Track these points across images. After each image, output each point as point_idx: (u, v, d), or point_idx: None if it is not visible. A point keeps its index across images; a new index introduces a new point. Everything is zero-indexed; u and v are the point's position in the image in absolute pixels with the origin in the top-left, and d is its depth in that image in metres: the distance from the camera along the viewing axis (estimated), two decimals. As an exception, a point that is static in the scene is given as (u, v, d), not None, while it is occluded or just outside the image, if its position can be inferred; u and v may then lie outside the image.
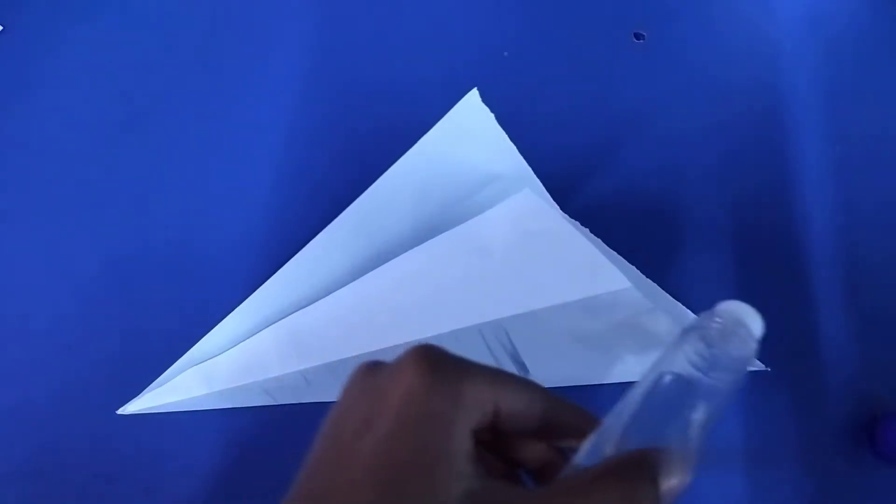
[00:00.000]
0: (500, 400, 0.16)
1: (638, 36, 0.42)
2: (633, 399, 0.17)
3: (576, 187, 0.37)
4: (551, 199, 0.34)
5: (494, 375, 0.16)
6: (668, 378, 0.17)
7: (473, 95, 0.34)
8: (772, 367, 0.32)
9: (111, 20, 0.44)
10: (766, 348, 0.20)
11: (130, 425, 0.33)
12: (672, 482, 0.14)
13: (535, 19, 0.43)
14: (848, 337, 0.34)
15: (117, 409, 0.33)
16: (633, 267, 0.33)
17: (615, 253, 0.32)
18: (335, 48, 0.42)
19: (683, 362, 0.17)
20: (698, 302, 0.34)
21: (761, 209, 0.37)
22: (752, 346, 0.18)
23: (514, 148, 0.34)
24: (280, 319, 0.32)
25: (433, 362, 0.15)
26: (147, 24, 0.43)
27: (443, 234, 0.30)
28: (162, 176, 0.39)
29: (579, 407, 0.18)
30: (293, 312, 0.32)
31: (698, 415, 0.16)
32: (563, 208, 0.34)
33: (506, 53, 0.42)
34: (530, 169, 0.34)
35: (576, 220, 0.33)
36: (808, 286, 0.35)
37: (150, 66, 0.42)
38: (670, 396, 0.17)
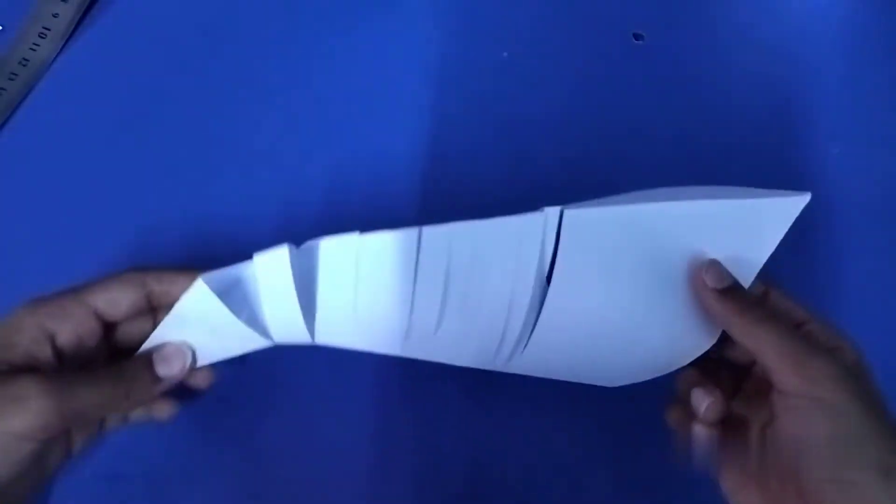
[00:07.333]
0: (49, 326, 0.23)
1: (637, 37, 0.42)
2: None
3: (575, 187, 0.37)
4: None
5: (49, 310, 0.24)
6: None
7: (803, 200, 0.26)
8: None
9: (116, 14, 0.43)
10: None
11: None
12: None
13: (534, 20, 0.43)
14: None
15: None
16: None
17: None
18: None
19: None
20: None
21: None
22: None
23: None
24: None
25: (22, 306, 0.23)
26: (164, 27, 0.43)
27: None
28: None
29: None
30: None
31: None
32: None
33: (505, 54, 0.42)
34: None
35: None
36: (808, 283, 0.35)
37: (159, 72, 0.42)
38: None
